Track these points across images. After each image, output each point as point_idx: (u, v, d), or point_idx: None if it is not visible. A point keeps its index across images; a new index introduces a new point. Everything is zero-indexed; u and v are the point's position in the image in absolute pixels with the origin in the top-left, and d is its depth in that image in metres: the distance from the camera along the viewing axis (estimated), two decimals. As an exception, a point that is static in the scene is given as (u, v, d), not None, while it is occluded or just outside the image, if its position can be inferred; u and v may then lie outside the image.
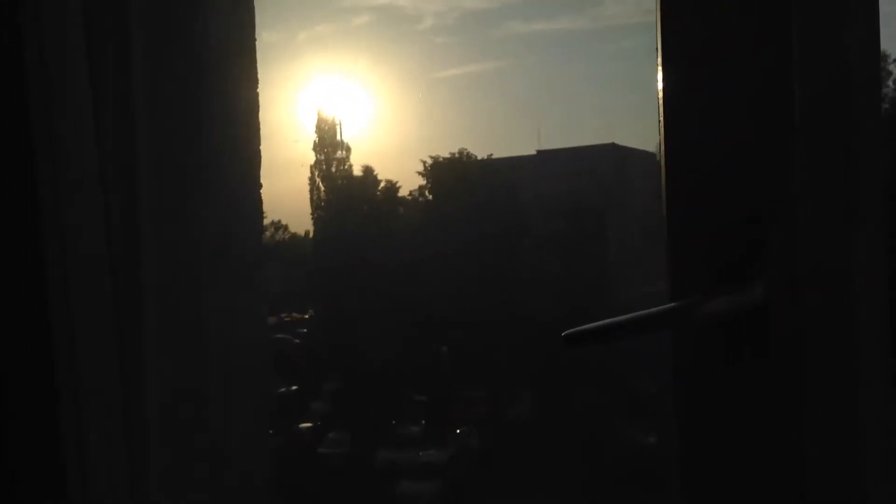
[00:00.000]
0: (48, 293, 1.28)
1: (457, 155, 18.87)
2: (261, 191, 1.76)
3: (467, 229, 16.87)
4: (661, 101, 1.06)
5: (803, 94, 1.05)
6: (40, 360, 1.30)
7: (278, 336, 16.83)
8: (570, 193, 16.91)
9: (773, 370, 1.02)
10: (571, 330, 0.94)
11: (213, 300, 1.52)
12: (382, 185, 20.12)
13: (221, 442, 1.54)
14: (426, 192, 19.27)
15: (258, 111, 1.64)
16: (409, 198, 19.34)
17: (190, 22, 1.47)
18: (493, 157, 19.22)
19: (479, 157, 19.14)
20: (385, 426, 15.01)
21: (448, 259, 16.58)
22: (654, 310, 0.96)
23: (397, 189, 19.76)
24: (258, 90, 1.67)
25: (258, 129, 1.71)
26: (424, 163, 19.11)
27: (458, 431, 14.45)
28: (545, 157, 18.67)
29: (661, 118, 1.07)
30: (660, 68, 1.06)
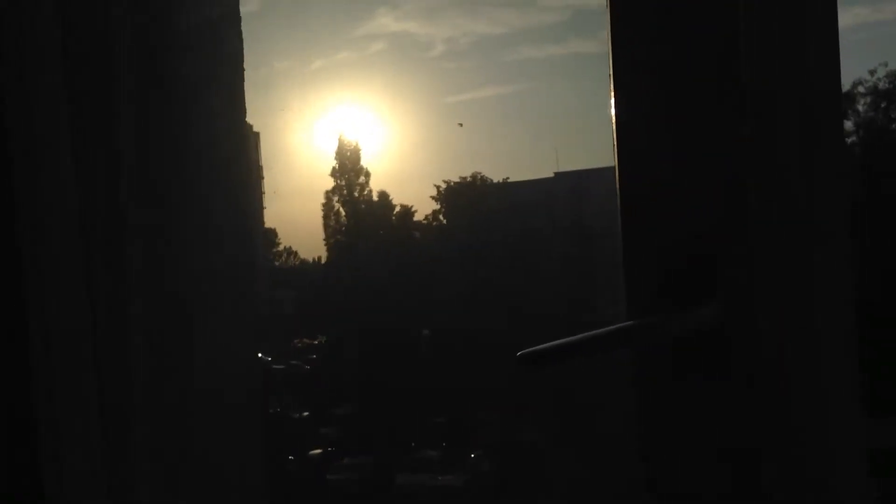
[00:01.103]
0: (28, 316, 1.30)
1: (469, 179, 18.97)
2: (252, 217, 1.79)
3: (482, 252, 16.91)
4: (614, 128, 1.09)
5: (756, 113, 1.06)
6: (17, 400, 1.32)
7: (292, 362, 16.90)
8: (587, 215, 16.89)
9: (730, 390, 1.03)
10: (525, 350, 0.95)
11: (201, 328, 1.52)
12: (398, 209, 20.25)
13: (210, 471, 1.53)
14: (440, 216, 19.38)
15: (245, 140, 1.67)
16: (424, 222, 19.44)
17: (174, 58, 1.50)
18: (510, 180, 19.28)
19: (494, 181, 19.22)
20: (401, 451, 14.98)
21: (462, 281, 16.61)
22: (606, 329, 0.98)
23: (412, 213, 19.89)
24: (245, 117, 1.71)
25: (247, 157, 1.73)
26: (438, 187, 19.21)
27: (472, 455, 14.42)
28: (562, 180, 18.67)
29: (615, 144, 1.09)
30: (612, 95, 1.08)
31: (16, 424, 1.32)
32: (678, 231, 1.06)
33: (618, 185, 1.10)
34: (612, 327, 0.98)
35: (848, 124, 18.35)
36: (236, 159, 1.66)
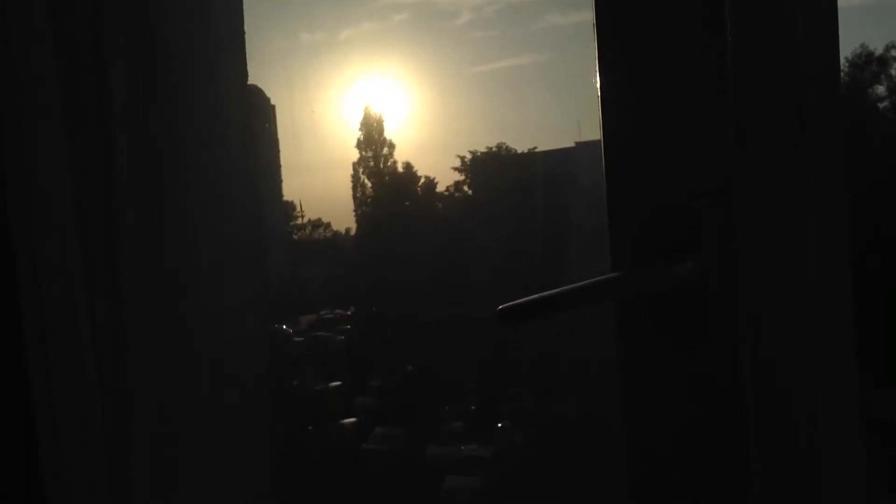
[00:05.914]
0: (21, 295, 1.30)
1: (494, 149, 18.93)
2: (269, 188, 1.80)
3: (508, 223, 16.89)
4: (599, 95, 1.11)
5: (741, 79, 1.07)
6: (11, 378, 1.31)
7: (319, 334, 17.05)
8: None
9: (710, 348, 1.05)
10: (505, 305, 0.97)
11: (203, 304, 1.51)
12: (423, 181, 20.29)
13: (213, 454, 1.53)
14: (464, 188, 19.39)
15: (247, 109, 1.68)
16: (447, 193, 19.46)
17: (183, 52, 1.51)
18: (537, 149, 19.21)
19: (518, 151, 19.14)
20: (431, 421, 15.05)
21: (488, 254, 16.61)
22: (586, 282, 1.01)
23: (435, 185, 19.91)
24: (246, 83, 1.73)
25: (250, 127, 1.74)
26: (462, 158, 19.21)
27: (499, 426, 14.46)
28: (584, 149, 18.56)
29: (600, 107, 1.12)
30: (597, 66, 1.10)
31: (13, 412, 1.32)
32: (662, 188, 1.08)
33: (603, 150, 1.12)
34: (591, 280, 1.01)
35: (881, 89, 18.07)
36: (238, 129, 1.66)
